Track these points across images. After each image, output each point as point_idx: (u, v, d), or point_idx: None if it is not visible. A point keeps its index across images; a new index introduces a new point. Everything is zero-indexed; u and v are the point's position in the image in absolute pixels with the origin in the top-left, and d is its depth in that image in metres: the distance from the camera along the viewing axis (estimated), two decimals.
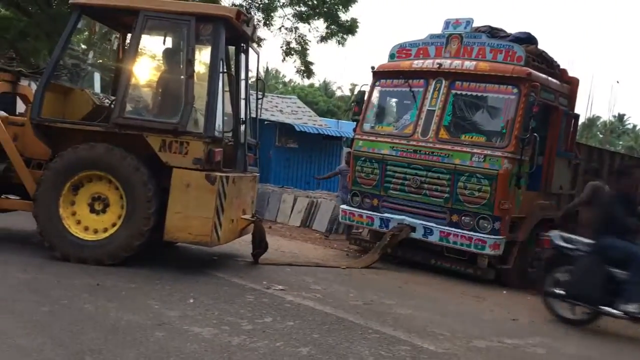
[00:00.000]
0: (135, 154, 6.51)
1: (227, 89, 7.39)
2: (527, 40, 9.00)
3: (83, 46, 10.59)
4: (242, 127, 7.64)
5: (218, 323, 4.90)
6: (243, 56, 7.77)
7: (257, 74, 7.99)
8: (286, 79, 54.48)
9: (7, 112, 7.32)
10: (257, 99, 7.85)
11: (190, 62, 6.55)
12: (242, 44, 7.68)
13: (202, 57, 7.02)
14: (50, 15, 13.56)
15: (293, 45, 16.00)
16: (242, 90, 7.72)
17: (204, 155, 6.48)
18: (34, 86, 7.55)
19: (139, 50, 6.90)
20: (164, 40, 6.84)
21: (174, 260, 7.26)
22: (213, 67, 6.69)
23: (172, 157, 6.49)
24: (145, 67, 7.39)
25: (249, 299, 5.80)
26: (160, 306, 5.20)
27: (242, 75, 7.78)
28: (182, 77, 6.70)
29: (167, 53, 7.16)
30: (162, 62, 7.42)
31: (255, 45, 7.96)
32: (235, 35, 7.24)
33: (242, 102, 7.70)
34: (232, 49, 7.78)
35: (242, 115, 7.67)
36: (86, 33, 9.04)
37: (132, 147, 6.55)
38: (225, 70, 6.99)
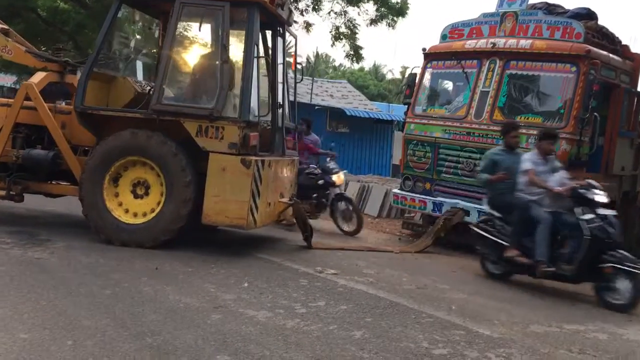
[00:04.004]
0: (173, 140, 6.64)
1: (264, 73, 7.40)
2: (586, 16, 8.67)
3: (138, 36, 10.82)
4: (280, 111, 7.66)
5: (272, 306, 4.96)
6: (280, 40, 7.77)
7: (295, 57, 7.95)
8: (336, 64, 54.27)
9: (65, 103, 7.58)
10: (295, 82, 7.84)
11: (225, 47, 6.61)
12: (278, 28, 7.69)
13: (237, 42, 7.06)
14: (105, 7, 13.92)
15: (342, 29, 15.87)
16: (279, 74, 7.73)
17: (239, 139, 6.54)
18: None
19: (176, 37, 7.02)
20: (200, 27, 6.93)
21: (228, 244, 7.38)
22: (248, 52, 6.73)
23: (208, 142, 6.59)
24: (182, 54, 7.47)
25: (302, 283, 5.85)
26: (216, 289, 5.31)
27: (280, 60, 7.78)
28: (217, 62, 6.77)
29: (203, 39, 7.23)
30: (198, 48, 7.51)
31: (291, 28, 7.94)
32: (272, 19, 7.25)
33: (280, 86, 7.71)
34: (269, 33, 7.79)
35: (280, 100, 7.68)
36: (140, 23, 9.21)
37: (171, 133, 6.68)
38: (260, 55, 7.02)
